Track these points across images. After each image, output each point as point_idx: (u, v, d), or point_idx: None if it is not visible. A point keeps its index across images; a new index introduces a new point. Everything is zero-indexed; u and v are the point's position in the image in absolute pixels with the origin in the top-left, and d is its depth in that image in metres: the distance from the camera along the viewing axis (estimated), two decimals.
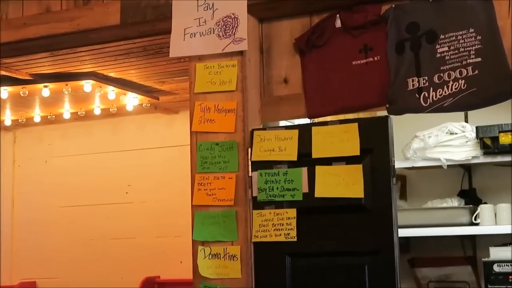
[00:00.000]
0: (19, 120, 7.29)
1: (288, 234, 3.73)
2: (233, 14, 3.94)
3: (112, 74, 5.97)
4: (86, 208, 7.69)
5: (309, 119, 4.05)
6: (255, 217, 3.82)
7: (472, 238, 5.28)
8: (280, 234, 3.75)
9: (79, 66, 5.65)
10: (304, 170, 3.75)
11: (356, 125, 3.67)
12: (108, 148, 7.67)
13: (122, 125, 7.60)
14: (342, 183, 3.64)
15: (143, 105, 6.74)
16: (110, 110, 6.84)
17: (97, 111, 6.91)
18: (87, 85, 5.98)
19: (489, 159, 4.96)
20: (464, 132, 5.03)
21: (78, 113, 6.99)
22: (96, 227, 7.62)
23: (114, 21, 4.36)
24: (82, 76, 5.87)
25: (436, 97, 3.54)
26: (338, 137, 3.69)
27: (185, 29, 4.05)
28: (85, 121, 7.48)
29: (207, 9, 4.01)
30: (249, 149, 3.87)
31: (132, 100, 6.61)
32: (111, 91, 6.28)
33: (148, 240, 7.37)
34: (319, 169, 3.70)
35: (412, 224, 4.88)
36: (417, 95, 3.60)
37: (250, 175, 3.85)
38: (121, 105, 6.74)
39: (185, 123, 7.01)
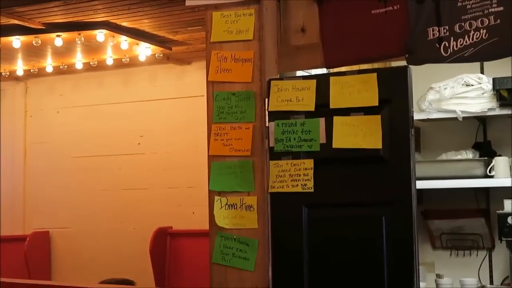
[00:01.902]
0: (31, 70, 7.26)
1: (305, 184, 3.72)
2: None
3: (125, 24, 5.92)
4: (98, 159, 7.70)
5: (326, 69, 4.01)
6: (272, 168, 3.80)
7: (486, 190, 5.28)
8: (297, 185, 3.74)
9: (92, 16, 5.61)
10: (322, 120, 3.71)
11: (375, 75, 3.61)
12: (120, 98, 7.64)
13: (134, 76, 7.57)
14: (360, 134, 3.61)
15: (156, 55, 6.70)
16: (123, 60, 6.81)
17: (109, 61, 6.87)
18: (100, 34, 5.94)
19: (505, 111, 4.94)
20: (480, 83, 4.99)
21: (90, 63, 6.96)
22: (108, 178, 7.63)
23: None
24: (95, 25, 5.82)
25: (456, 47, 3.49)
26: (356, 87, 3.64)
27: None
28: (97, 72, 7.45)
29: None
30: (266, 99, 3.84)
31: (144, 50, 6.56)
32: (124, 41, 6.24)
33: (160, 191, 7.39)
34: (337, 119, 3.67)
35: (427, 176, 4.87)
36: (437, 44, 3.54)
37: (267, 125, 3.83)
38: (133, 55, 6.70)
39: (198, 74, 7.10)
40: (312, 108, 3.75)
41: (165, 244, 7.26)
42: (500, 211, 4.89)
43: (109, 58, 6.83)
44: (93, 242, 7.61)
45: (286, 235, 3.79)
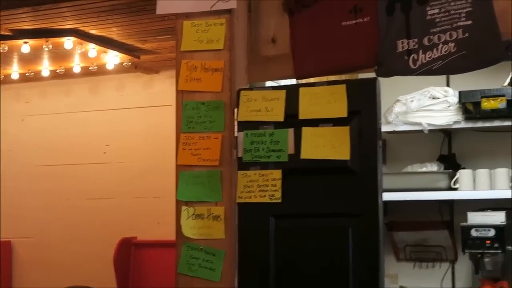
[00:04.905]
0: None
1: (273, 195, 3.71)
2: None
3: (93, 32, 5.89)
4: (63, 168, 7.64)
5: (296, 80, 4.02)
6: (240, 178, 3.78)
7: (450, 203, 5.33)
8: (265, 195, 3.72)
9: (61, 23, 5.58)
10: (291, 131, 3.70)
11: (344, 86, 3.61)
12: (86, 107, 7.61)
13: (101, 84, 7.54)
14: (329, 145, 3.60)
15: (124, 63, 6.67)
16: (90, 68, 6.78)
17: (76, 69, 6.84)
18: (68, 42, 5.91)
19: (470, 125, 5.00)
20: (446, 96, 5.05)
21: (57, 71, 6.91)
22: (72, 187, 7.58)
23: None
24: (63, 32, 5.79)
25: (425, 60, 3.51)
26: (325, 98, 3.64)
27: None
28: (64, 80, 7.40)
29: None
30: (235, 109, 3.83)
31: (113, 58, 6.54)
32: (92, 49, 6.21)
33: (126, 201, 7.36)
34: (305, 130, 3.66)
35: (391, 188, 4.90)
36: (406, 57, 3.56)
37: (236, 135, 3.81)
38: (101, 63, 6.67)
39: (165, 83, 7.10)
40: (281, 118, 3.73)
41: (129, 254, 7.22)
42: (464, 224, 4.93)
43: (76, 66, 6.79)
44: (56, 252, 7.55)
45: (253, 246, 3.77)
